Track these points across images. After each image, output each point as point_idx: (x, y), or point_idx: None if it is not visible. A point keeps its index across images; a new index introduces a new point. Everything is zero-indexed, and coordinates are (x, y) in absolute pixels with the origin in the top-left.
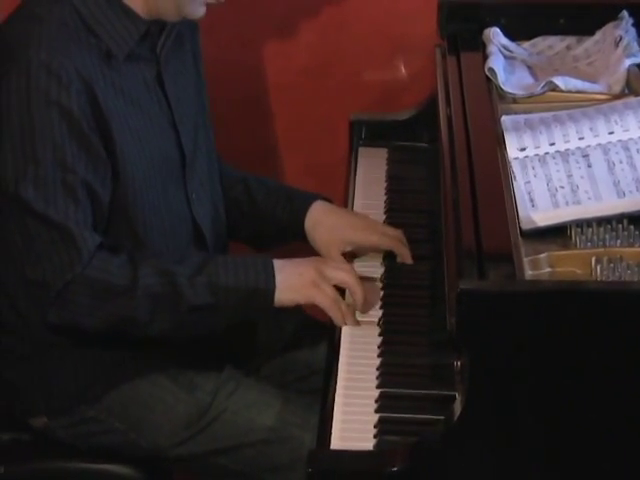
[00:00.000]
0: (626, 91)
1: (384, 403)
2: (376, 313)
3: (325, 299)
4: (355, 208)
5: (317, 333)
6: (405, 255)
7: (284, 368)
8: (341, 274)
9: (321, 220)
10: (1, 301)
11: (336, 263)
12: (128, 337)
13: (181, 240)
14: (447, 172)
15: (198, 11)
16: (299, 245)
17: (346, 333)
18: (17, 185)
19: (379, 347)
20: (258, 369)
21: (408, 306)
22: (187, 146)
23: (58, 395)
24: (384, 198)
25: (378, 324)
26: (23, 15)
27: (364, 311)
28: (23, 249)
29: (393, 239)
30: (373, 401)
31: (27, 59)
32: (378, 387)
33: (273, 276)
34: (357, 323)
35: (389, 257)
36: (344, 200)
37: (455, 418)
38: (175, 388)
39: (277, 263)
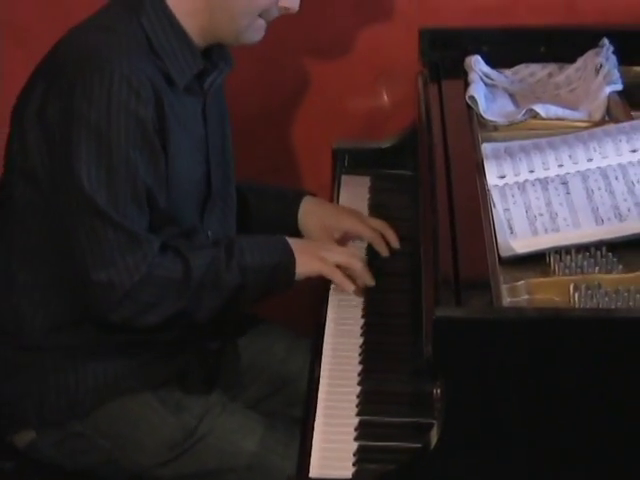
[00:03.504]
0: (606, 118)
1: (363, 431)
2: (357, 341)
3: (331, 270)
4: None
5: (306, 355)
6: (382, 249)
7: (271, 391)
8: (343, 254)
9: (312, 210)
10: (6, 308)
11: (340, 248)
12: (125, 352)
13: None
14: (426, 199)
15: (256, 36)
16: None
17: (326, 361)
18: (91, 188)
19: (359, 374)
20: (245, 391)
21: (388, 334)
22: (214, 184)
23: (49, 408)
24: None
25: (358, 352)
26: (95, 26)
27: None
28: (88, 251)
29: (374, 232)
30: (353, 429)
31: (110, 71)
32: (358, 415)
33: (292, 252)
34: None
35: (371, 290)
36: None
37: (432, 446)
38: (162, 409)
39: (290, 240)
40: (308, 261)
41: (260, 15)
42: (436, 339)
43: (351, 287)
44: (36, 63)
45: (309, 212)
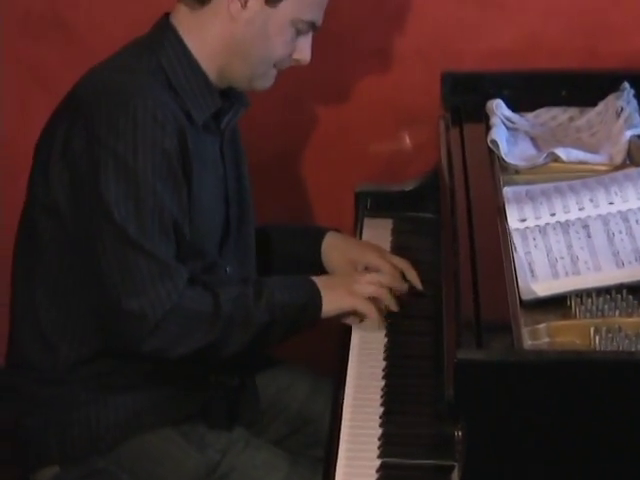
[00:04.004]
0: (627, 162)
1: (385, 473)
2: (378, 383)
3: (363, 304)
4: None
5: (328, 396)
6: (399, 290)
7: (291, 431)
8: (369, 285)
9: (335, 244)
10: (30, 341)
11: (365, 277)
12: (146, 386)
13: None
14: (448, 242)
15: (267, 84)
16: None
17: (348, 403)
18: (121, 218)
19: (381, 417)
20: (265, 430)
21: (410, 376)
22: (232, 222)
23: (72, 443)
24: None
25: (380, 394)
26: (116, 65)
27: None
28: (120, 280)
29: (394, 269)
30: (374, 471)
31: (135, 105)
32: (379, 457)
33: (318, 290)
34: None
35: (392, 328)
36: None
37: None
38: (185, 444)
39: (316, 279)
40: (338, 297)
41: (275, 64)
42: (457, 381)
43: (383, 322)
44: (57, 103)
45: (332, 247)
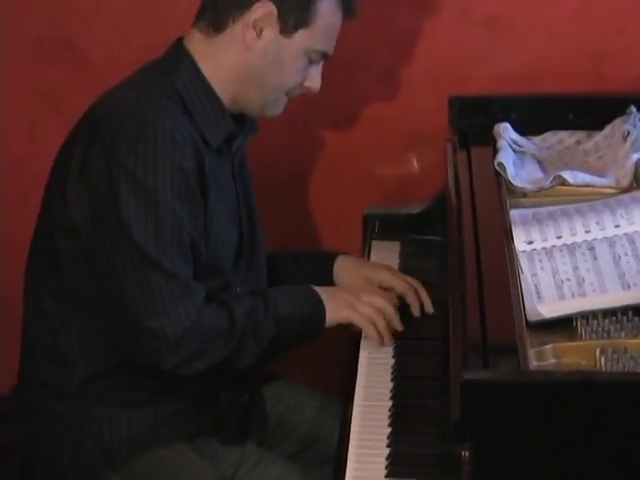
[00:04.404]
0: (634, 184)
1: None
2: (386, 404)
3: (361, 318)
4: None
5: (336, 415)
6: (414, 304)
7: (300, 450)
8: (375, 298)
9: (346, 267)
10: (46, 359)
11: (370, 290)
12: (158, 402)
13: None
14: (455, 264)
15: (277, 110)
16: None
17: (356, 423)
18: (141, 239)
19: (388, 437)
20: (276, 448)
21: (418, 396)
22: (245, 243)
23: (85, 458)
24: None
25: (388, 414)
26: (132, 86)
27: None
28: (140, 300)
29: (408, 285)
30: None
31: (154, 126)
32: (387, 476)
33: (321, 300)
34: (391, 340)
35: (399, 348)
36: None
37: None
38: (199, 459)
39: (318, 289)
40: (338, 308)
41: (286, 92)
42: (463, 401)
43: (379, 340)
44: (69, 127)
45: (344, 269)
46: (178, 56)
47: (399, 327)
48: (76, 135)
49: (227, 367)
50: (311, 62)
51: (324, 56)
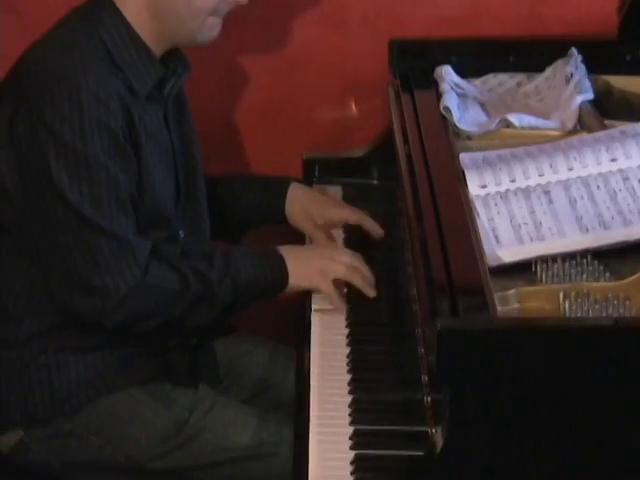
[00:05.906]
0: (578, 127)
1: (359, 440)
2: (343, 351)
3: (329, 289)
4: None
5: (289, 363)
6: (373, 228)
7: (251, 396)
8: (344, 268)
9: (297, 197)
10: None
11: (342, 256)
12: (107, 349)
13: None
14: (411, 210)
15: (211, 35)
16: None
17: (315, 371)
18: (75, 201)
19: (349, 384)
20: (228, 393)
21: (373, 343)
22: (183, 186)
23: (34, 405)
24: (342, 236)
25: (346, 362)
26: (58, 43)
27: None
28: (81, 261)
29: (361, 214)
30: (347, 438)
31: (77, 86)
32: (351, 424)
33: (286, 268)
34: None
35: (352, 295)
36: (300, 243)
37: (437, 453)
38: (153, 402)
39: (286, 251)
40: (306, 274)
41: (211, 14)
42: (440, 349)
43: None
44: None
45: (294, 199)
46: (100, 2)
47: (371, 294)
48: (3, 95)
49: (177, 327)
50: None
51: None
